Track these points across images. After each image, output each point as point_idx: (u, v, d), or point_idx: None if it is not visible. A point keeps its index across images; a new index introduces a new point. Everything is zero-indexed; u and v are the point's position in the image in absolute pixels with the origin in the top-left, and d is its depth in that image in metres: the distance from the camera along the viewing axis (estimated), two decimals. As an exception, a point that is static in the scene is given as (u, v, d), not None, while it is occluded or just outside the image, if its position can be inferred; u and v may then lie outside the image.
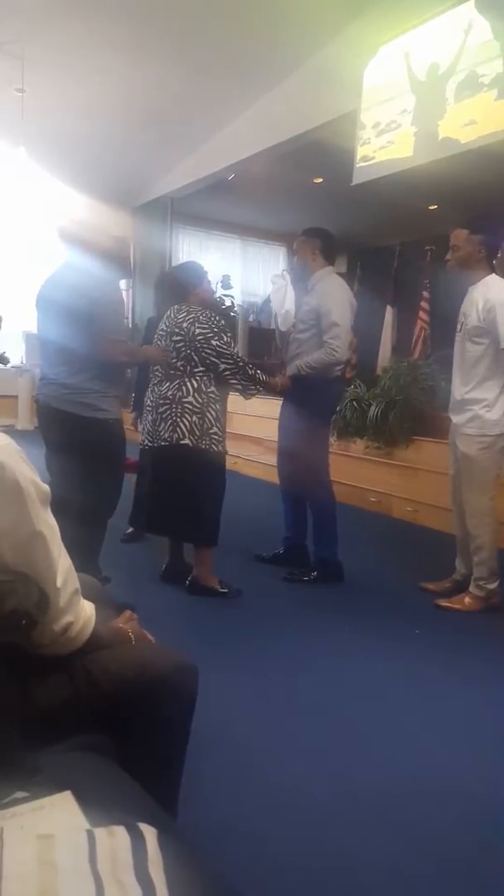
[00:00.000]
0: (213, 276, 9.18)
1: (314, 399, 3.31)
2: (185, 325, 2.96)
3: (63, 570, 1.10)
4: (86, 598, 1.19)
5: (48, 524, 1.08)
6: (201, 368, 2.97)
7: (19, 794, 0.90)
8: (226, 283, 9.20)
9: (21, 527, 1.02)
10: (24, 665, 1.08)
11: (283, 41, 5.22)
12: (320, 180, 7.45)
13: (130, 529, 3.75)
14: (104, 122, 6.48)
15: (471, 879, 1.48)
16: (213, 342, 2.95)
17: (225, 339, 2.99)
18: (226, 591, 3.12)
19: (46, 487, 1.08)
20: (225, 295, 9.00)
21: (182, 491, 2.99)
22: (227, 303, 8.85)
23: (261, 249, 10.55)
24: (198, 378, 2.98)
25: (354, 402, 5.26)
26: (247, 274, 10.35)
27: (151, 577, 3.26)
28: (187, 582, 3.13)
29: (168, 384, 3.00)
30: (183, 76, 5.73)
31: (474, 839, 1.59)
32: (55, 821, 0.86)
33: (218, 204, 8.63)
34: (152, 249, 8.50)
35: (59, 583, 1.08)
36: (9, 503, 1.01)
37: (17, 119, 5.63)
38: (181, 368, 2.97)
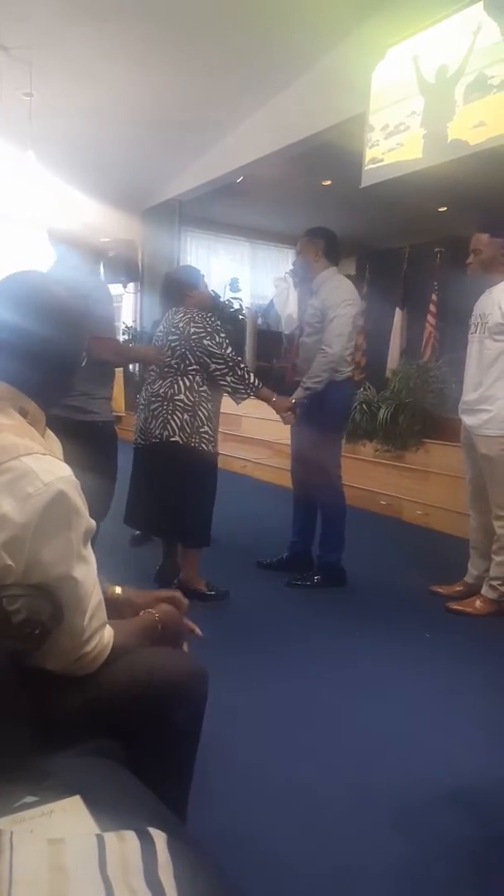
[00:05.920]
0: (222, 279, 9.24)
1: (325, 404, 3.29)
2: (181, 325, 3.00)
3: (93, 606, 1.11)
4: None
5: (87, 562, 1.10)
6: (195, 367, 2.99)
7: (29, 799, 0.90)
8: (234, 286, 9.20)
9: (60, 563, 1.05)
10: (35, 669, 1.08)
11: (292, 44, 5.23)
12: (329, 183, 7.44)
13: (138, 532, 3.74)
14: (112, 125, 6.50)
15: (481, 881, 1.48)
16: (205, 342, 2.97)
17: (217, 339, 2.99)
18: (213, 593, 3.11)
19: (93, 524, 1.11)
20: (233, 298, 9.00)
21: (172, 490, 3.00)
22: (236, 305, 8.86)
23: (270, 252, 10.56)
24: (190, 376, 2.99)
25: (364, 405, 5.25)
26: (255, 277, 10.35)
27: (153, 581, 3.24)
28: (174, 585, 3.08)
29: (161, 382, 3.03)
30: (191, 79, 5.74)
31: (485, 841, 1.58)
32: (65, 825, 0.86)
33: (226, 207, 8.64)
34: (160, 253, 8.50)
35: (86, 619, 1.09)
36: (59, 534, 1.04)
37: (26, 123, 5.65)
38: (174, 366, 3.00)
